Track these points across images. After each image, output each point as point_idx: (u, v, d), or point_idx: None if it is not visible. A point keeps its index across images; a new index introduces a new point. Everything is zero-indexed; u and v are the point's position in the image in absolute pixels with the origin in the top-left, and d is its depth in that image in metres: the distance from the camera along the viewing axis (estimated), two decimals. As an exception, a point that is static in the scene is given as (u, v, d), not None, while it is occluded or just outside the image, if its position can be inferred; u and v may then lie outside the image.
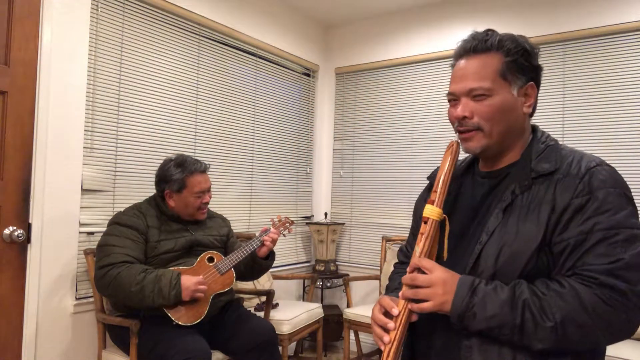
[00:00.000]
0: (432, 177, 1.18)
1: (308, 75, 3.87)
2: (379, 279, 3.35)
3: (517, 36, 1.03)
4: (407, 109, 3.57)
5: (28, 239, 2.05)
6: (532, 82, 1.03)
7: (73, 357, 2.22)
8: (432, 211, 1.01)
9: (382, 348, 0.96)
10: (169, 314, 1.97)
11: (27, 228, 2.04)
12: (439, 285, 0.93)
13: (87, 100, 2.28)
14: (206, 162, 2.26)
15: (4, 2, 1.97)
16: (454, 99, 1.05)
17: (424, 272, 0.96)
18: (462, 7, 3.34)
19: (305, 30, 3.77)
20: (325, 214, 3.79)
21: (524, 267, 0.92)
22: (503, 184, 1.03)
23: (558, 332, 0.86)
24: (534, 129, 1.08)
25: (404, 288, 0.98)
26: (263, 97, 3.39)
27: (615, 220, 0.89)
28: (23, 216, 2.04)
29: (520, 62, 1.00)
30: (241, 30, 3.13)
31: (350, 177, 3.85)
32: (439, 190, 1.02)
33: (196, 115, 2.87)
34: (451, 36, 3.37)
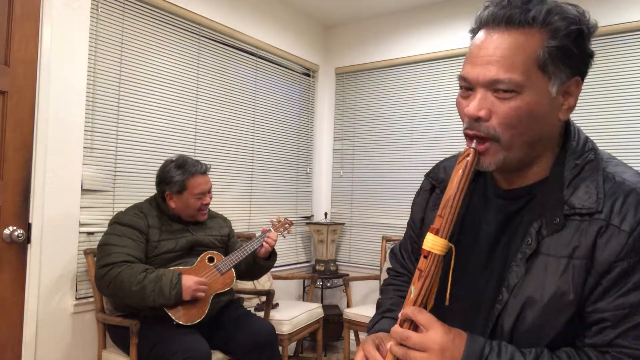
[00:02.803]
0: (434, 178, 0.96)
1: (308, 75, 3.87)
2: (379, 279, 3.35)
3: (570, 8, 0.73)
4: (407, 109, 3.57)
5: (28, 239, 2.05)
6: (578, 77, 0.74)
7: (73, 357, 2.22)
8: (435, 243, 0.75)
9: None
10: (170, 314, 1.97)
11: (27, 228, 2.04)
12: (435, 352, 0.71)
13: (87, 100, 2.28)
14: (207, 163, 2.26)
15: (4, 2, 1.97)
16: (467, 87, 0.76)
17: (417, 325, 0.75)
18: (462, 7, 3.33)
19: (305, 30, 3.77)
20: (325, 214, 3.79)
21: (550, 340, 0.73)
22: (526, 212, 0.79)
23: None
24: (567, 128, 0.79)
25: (393, 342, 0.75)
26: (263, 97, 3.39)
27: None
28: (23, 216, 2.04)
29: (568, 49, 0.71)
30: (241, 30, 3.13)
31: (350, 177, 3.85)
32: (446, 216, 0.75)
33: (196, 115, 2.87)
34: (451, 36, 3.36)
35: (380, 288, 1.06)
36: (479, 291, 0.81)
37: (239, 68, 3.19)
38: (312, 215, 3.89)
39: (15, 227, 2.00)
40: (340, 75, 3.95)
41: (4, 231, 1.97)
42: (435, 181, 0.95)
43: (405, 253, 1.06)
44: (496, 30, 0.72)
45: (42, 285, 2.09)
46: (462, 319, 0.79)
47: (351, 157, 3.85)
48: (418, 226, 0.97)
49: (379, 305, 1.01)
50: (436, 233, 0.75)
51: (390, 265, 1.10)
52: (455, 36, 3.34)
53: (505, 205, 0.82)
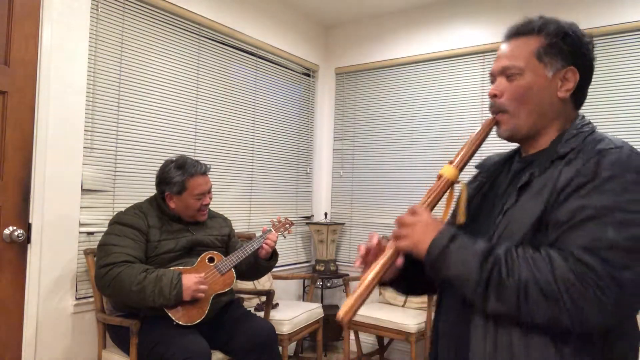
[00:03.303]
0: (481, 166, 1.19)
1: (308, 75, 3.87)
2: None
3: (563, 21, 1.02)
4: (407, 109, 3.57)
5: (28, 239, 2.05)
6: (572, 67, 0.99)
7: (73, 357, 2.22)
8: (447, 170, 1.00)
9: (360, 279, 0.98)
10: (170, 314, 1.97)
11: (27, 228, 2.04)
12: (419, 226, 0.95)
13: (87, 100, 2.28)
14: (207, 164, 2.25)
15: (4, 2, 1.97)
16: (492, 80, 1.07)
17: None
18: (462, 7, 3.33)
19: (305, 30, 3.77)
20: (325, 214, 3.79)
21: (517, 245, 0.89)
22: (528, 167, 1.01)
23: (520, 294, 0.82)
24: (577, 117, 1.03)
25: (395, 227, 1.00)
26: (263, 97, 3.39)
27: (613, 200, 0.83)
28: (23, 216, 2.04)
29: (558, 45, 0.99)
30: (241, 30, 3.13)
31: (350, 177, 3.85)
32: (462, 153, 1.02)
33: (196, 115, 2.87)
34: (451, 36, 3.36)
35: None
36: (487, 231, 0.98)
37: (239, 68, 3.19)
38: (312, 215, 3.89)
39: (15, 227, 2.00)
40: (340, 75, 3.95)
41: (4, 231, 1.97)
42: (481, 168, 1.19)
43: None
44: (509, 39, 1.05)
45: (42, 285, 2.09)
46: None
47: (351, 157, 3.85)
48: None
49: None
50: (450, 163, 1.01)
51: None
52: (455, 36, 3.34)
53: (518, 167, 1.06)
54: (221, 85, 3.05)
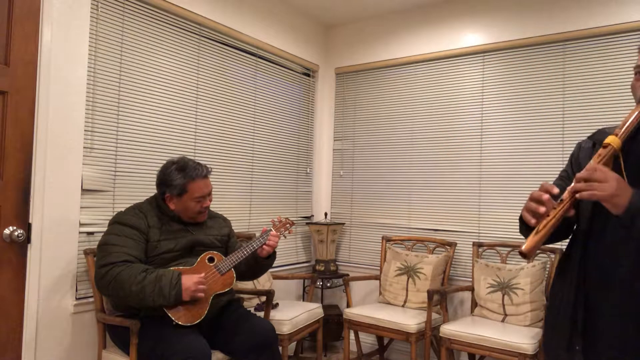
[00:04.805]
0: (598, 139, 1.29)
1: (308, 75, 3.87)
2: (379, 279, 3.35)
3: None
4: (407, 109, 3.57)
5: (28, 239, 2.05)
6: None
7: (73, 357, 2.22)
8: (613, 140, 1.15)
9: (532, 222, 1.11)
10: (169, 314, 1.97)
11: (27, 228, 2.04)
12: (613, 180, 1.04)
13: (87, 100, 2.28)
14: (208, 166, 2.24)
15: (4, 3, 1.97)
16: (638, 71, 1.22)
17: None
18: (462, 7, 3.33)
19: (305, 30, 3.77)
20: (325, 214, 3.79)
21: None
22: None
23: None
24: None
25: (575, 182, 1.09)
26: (263, 97, 3.39)
27: None
28: (23, 216, 2.04)
29: None
30: (241, 30, 3.13)
31: (350, 177, 3.85)
32: (624, 127, 1.16)
33: (196, 115, 2.87)
34: (451, 36, 3.37)
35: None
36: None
37: (239, 68, 3.19)
38: (312, 215, 3.89)
39: (15, 227, 2.00)
40: (340, 75, 3.95)
41: (4, 231, 1.97)
42: (597, 141, 1.29)
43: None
44: None
45: (42, 285, 2.09)
46: None
47: (351, 157, 3.85)
48: (578, 170, 1.30)
49: None
50: (616, 135, 1.15)
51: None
52: (455, 36, 3.34)
53: None
54: (221, 85, 3.05)
